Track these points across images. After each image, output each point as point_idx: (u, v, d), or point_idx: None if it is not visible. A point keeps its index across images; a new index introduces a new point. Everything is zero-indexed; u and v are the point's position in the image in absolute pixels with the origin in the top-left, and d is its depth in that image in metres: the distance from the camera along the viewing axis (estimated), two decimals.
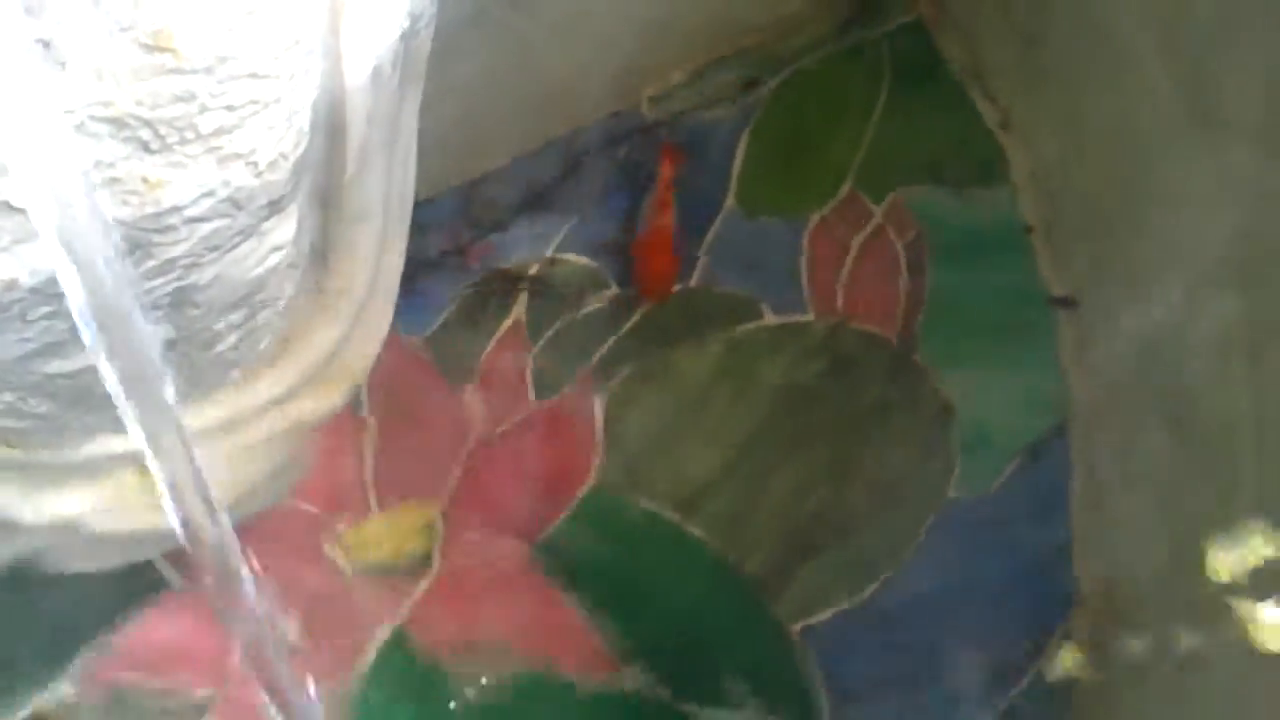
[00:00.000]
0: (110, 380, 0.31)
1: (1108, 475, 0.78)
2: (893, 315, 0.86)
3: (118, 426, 0.53)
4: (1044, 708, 0.77)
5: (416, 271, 0.77)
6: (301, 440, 0.62)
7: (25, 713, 0.72)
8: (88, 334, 0.30)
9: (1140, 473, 0.73)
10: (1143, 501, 0.72)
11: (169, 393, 0.31)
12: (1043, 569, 0.80)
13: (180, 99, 0.40)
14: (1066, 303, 0.83)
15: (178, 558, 0.75)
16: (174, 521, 0.31)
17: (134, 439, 0.31)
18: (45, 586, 0.68)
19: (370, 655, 0.76)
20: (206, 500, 0.31)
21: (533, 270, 0.86)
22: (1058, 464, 0.81)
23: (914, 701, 0.78)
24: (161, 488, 0.31)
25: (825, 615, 0.80)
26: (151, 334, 0.31)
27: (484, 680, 0.77)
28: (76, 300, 0.30)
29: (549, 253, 0.86)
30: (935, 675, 0.79)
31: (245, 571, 0.32)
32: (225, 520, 0.31)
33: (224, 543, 0.31)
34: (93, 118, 0.38)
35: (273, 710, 0.36)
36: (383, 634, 0.77)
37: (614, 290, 0.86)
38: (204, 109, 0.41)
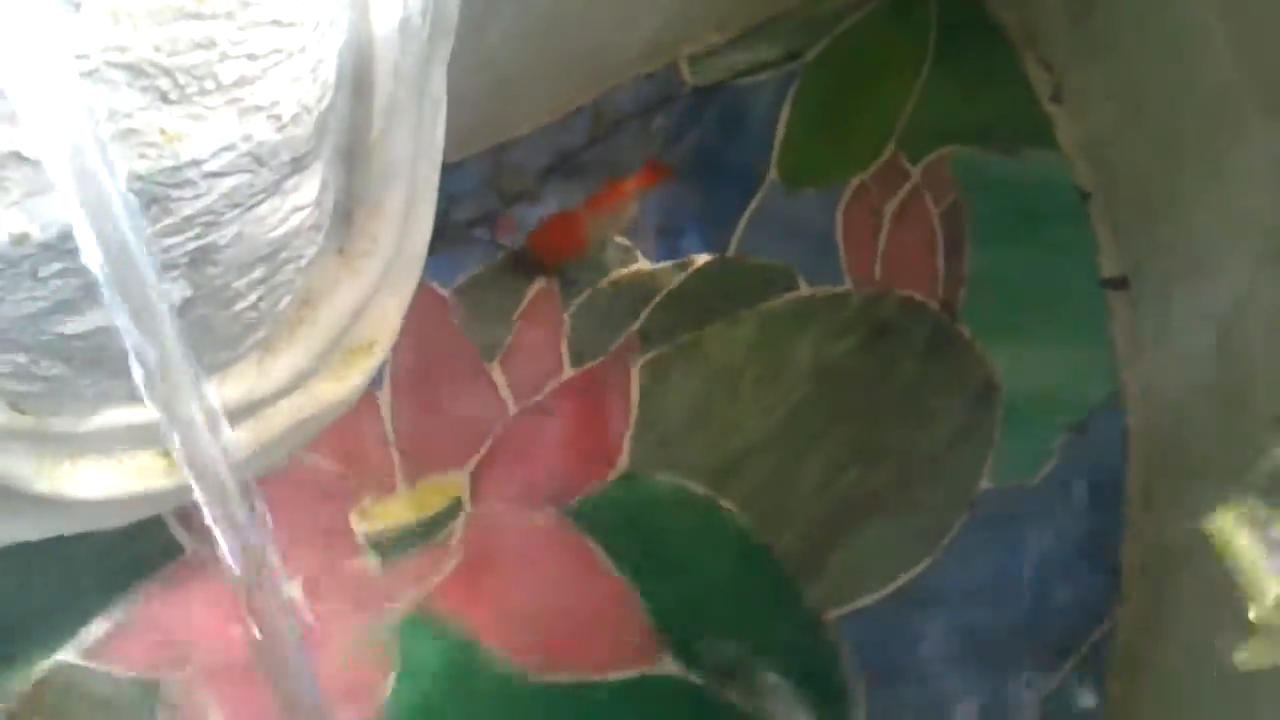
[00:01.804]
0: (127, 338, 0.29)
1: (1159, 460, 0.76)
2: (933, 287, 0.84)
3: (133, 394, 0.51)
4: (1085, 701, 0.76)
5: (442, 241, 0.75)
6: (320, 430, 0.61)
7: (26, 684, 0.71)
8: (106, 291, 0.28)
9: (1194, 461, 0.71)
10: (1195, 489, 0.70)
11: (187, 354, 0.29)
12: (1088, 555, 0.77)
13: (200, 46, 0.38)
14: (1118, 284, 0.81)
15: (191, 516, 0.73)
16: (197, 496, 0.29)
17: (150, 408, 0.30)
18: (55, 551, 0.67)
19: (395, 636, 0.75)
20: (229, 470, 0.29)
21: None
22: (1106, 447, 0.79)
23: (951, 690, 0.76)
24: (179, 458, 0.29)
25: (862, 600, 0.78)
26: (166, 291, 0.29)
27: (511, 664, 0.76)
28: (93, 257, 0.28)
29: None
30: (975, 663, 0.77)
31: (272, 551, 0.30)
32: (251, 494, 0.30)
33: (249, 522, 0.30)
34: (109, 64, 0.37)
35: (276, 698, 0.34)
36: (406, 612, 0.76)
37: (645, 263, 0.84)
38: (225, 57, 0.39)
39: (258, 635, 0.30)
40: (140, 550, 0.73)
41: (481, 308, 0.83)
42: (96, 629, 0.72)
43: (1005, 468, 0.80)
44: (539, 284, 0.84)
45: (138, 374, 0.30)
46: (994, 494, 0.79)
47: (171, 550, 0.74)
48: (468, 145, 0.82)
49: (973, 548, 0.78)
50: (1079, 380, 0.81)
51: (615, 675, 0.76)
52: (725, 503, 0.79)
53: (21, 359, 0.45)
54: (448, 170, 0.59)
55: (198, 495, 0.30)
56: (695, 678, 0.76)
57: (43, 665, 0.71)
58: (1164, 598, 0.73)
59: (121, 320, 0.29)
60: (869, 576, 0.78)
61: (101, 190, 0.29)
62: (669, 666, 0.76)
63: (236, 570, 0.30)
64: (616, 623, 0.77)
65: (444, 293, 0.82)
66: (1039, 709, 0.76)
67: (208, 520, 0.30)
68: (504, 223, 0.85)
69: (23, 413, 0.49)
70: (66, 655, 0.71)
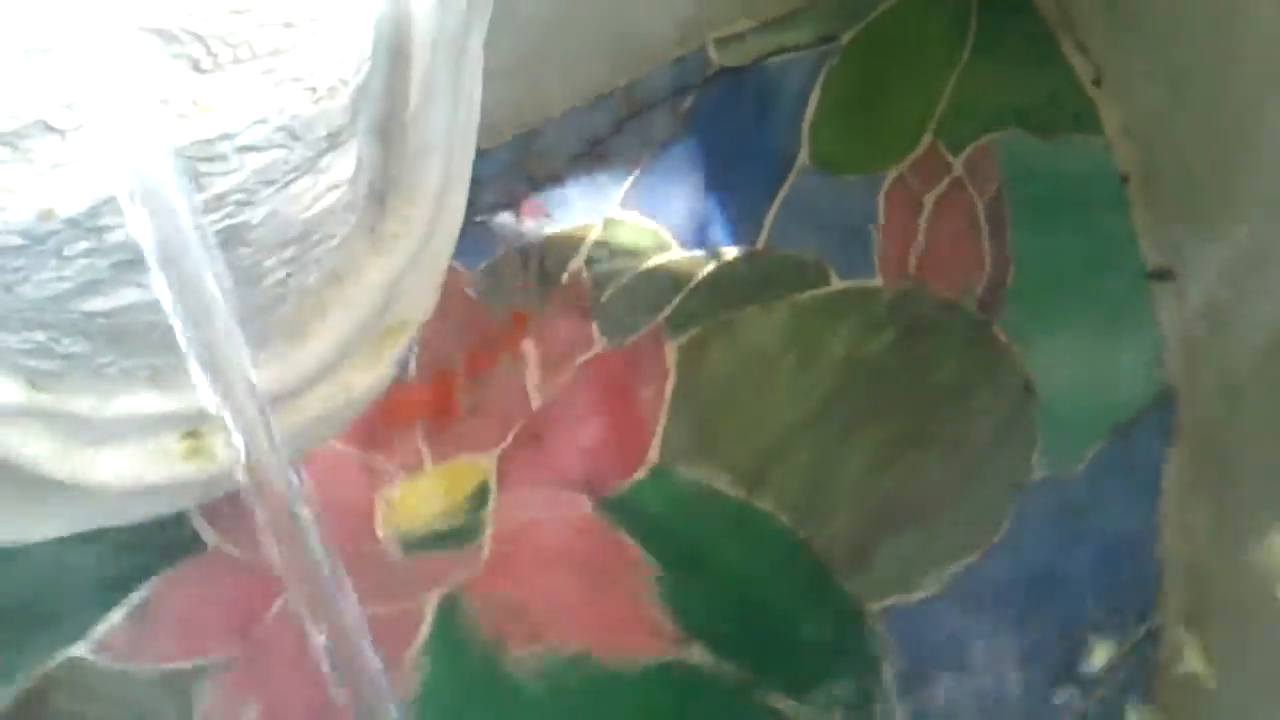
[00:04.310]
0: (176, 320, 0.28)
1: (1204, 459, 0.74)
2: (974, 279, 0.82)
3: (156, 377, 0.50)
4: (1127, 696, 0.74)
5: (467, 227, 0.74)
6: (352, 416, 0.59)
7: (34, 679, 0.69)
8: (156, 270, 0.27)
9: (1240, 458, 0.70)
10: (1245, 487, 0.69)
11: (238, 333, 0.28)
12: (1134, 554, 0.76)
13: (235, 12, 0.37)
14: (1163, 275, 0.79)
15: (213, 512, 0.72)
16: (241, 476, 0.28)
17: (198, 388, 0.28)
18: (68, 545, 0.66)
19: (423, 626, 0.74)
20: (279, 455, 0.28)
21: (591, 236, 0.83)
22: (1150, 445, 0.77)
23: (992, 688, 0.75)
24: (234, 440, 0.28)
25: (901, 599, 0.77)
26: (221, 268, 0.28)
27: (541, 653, 0.74)
28: (140, 230, 0.27)
29: (608, 213, 0.83)
30: (1015, 661, 0.76)
31: (314, 531, 0.29)
32: (296, 475, 0.28)
33: (293, 499, 0.28)
34: (141, 29, 0.35)
35: (331, 670, 0.33)
36: (434, 603, 0.74)
37: (677, 253, 0.83)
38: (261, 25, 0.37)
39: (311, 626, 0.29)
40: (159, 544, 0.72)
41: (508, 292, 0.81)
42: (111, 624, 0.70)
43: (1049, 465, 0.79)
44: (568, 271, 0.82)
45: (187, 351, 0.28)
46: (1038, 491, 0.78)
47: (192, 544, 0.73)
48: (494, 129, 0.81)
49: (1016, 545, 0.77)
50: (1124, 376, 0.79)
51: (645, 662, 0.75)
52: (762, 496, 0.78)
53: (41, 336, 0.44)
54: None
55: (242, 476, 0.29)
56: (728, 675, 0.75)
57: (53, 660, 0.69)
58: (1211, 599, 0.71)
59: (169, 296, 0.27)
60: (910, 574, 0.77)
61: (151, 158, 0.27)
62: (700, 657, 0.75)
63: (280, 556, 0.29)
64: (648, 612, 0.76)
65: (469, 277, 0.81)
66: (1085, 708, 0.75)
67: (252, 504, 0.29)
68: (529, 207, 0.83)
69: (40, 390, 0.48)
70: (78, 651, 0.70)
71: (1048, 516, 0.77)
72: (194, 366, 0.28)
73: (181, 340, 0.28)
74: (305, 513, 0.29)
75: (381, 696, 0.30)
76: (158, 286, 0.28)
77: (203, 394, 0.28)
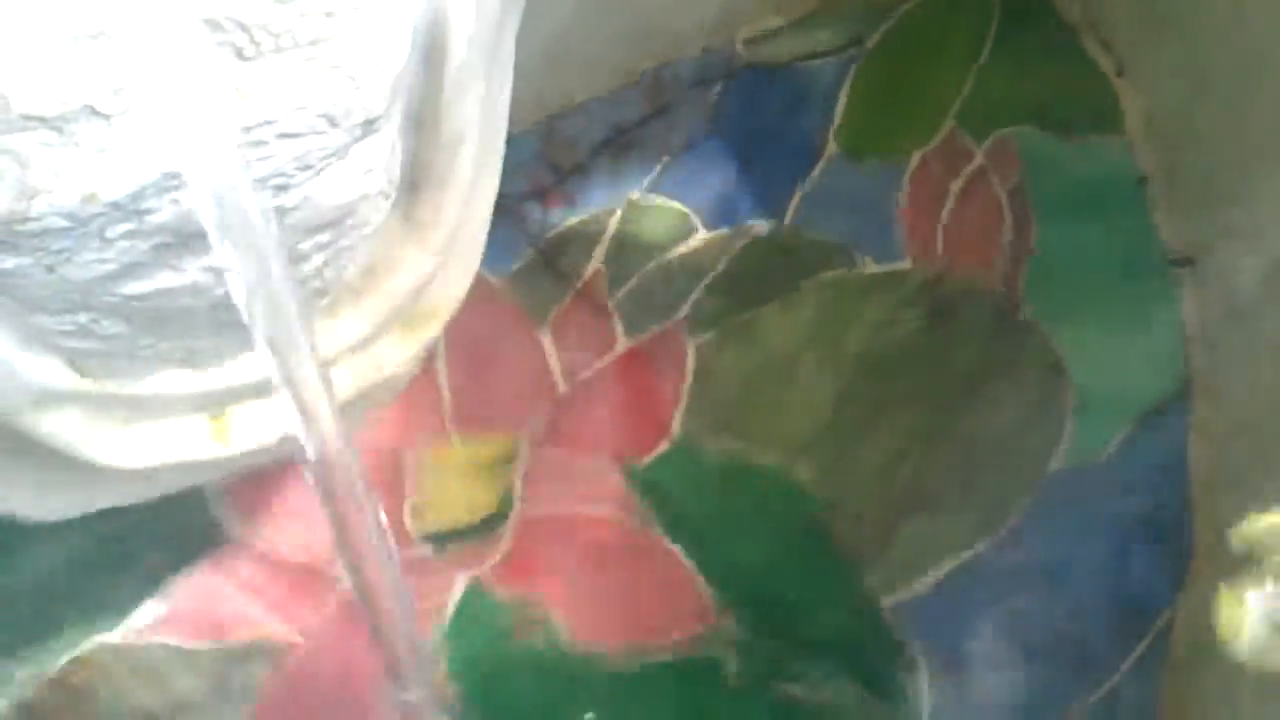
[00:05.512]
0: (239, 295, 0.28)
1: (1229, 448, 0.74)
2: (996, 267, 0.82)
3: (188, 358, 0.51)
4: (1147, 688, 0.74)
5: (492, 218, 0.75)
6: (380, 402, 0.60)
7: (69, 658, 0.70)
8: (224, 247, 0.28)
9: (1266, 447, 0.70)
10: (1268, 476, 0.69)
11: (300, 310, 0.29)
12: (1154, 543, 0.76)
13: (279, 1, 0.37)
14: (1185, 262, 0.79)
15: (236, 501, 0.73)
16: (307, 449, 0.29)
17: (260, 361, 0.29)
18: (99, 529, 0.66)
19: (449, 611, 0.75)
20: (340, 425, 0.28)
21: (614, 220, 0.83)
22: (1174, 434, 0.77)
23: (1013, 676, 0.75)
24: (290, 410, 0.29)
25: (922, 583, 0.77)
26: (282, 244, 0.29)
27: (564, 632, 0.75)
28: (207, 210, 0.27)
29: (634, 195, 0.83)
30: (1037, 650, 0.76)
31: (373, 500, 0.30)
32: (353, 447, 0.29)
33: (353, 470, 0.29)
34: (187, 17, 0.36)
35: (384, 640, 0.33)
36: (460, 589, 0.75)
37: (702, 234, 0.83)
38: (303, 14, 0.38)
39: (363, 589, 0.30)
40: (182, 532, 0.72)
41: (532, 285, 0.82)
42: (138, 612, 0.71)
43: (1071, 453, 0.78)
44: (592, 263, 0.82)
45: (253, 323, 0.29)
46: (1060, 479, 0.78)
47: (214, 533, 0.73)
48: (519, 117, 0.81)
49: (1037, 533, 0.77)
50: (1147, 365, 0.79)
51: (666, 649, 0.75)
52: (781, 483, 0.78)
53: (82, 318, 0.45)
54: None
55: (305, 444, 0.29)
56: (746, 658, 0.76)
57: (86, 646, 0.70)
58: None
59: (235, 269, 0.28)
60: (929, 561, 0.77)
61: (212, 136, 0.28)
62: (719, 645, 0.76)
63: (336, 517, 0.30)
64: (669, 600, 0.76)
65: (496, 273, 0.81)
66: (1101, 698, 0.75)
67: (310, 477, 0.30)
68: (552, 196, 0.83)
69: (80, 374, 0.48)
70: (108, 636, 0.71)
71: (1072, 503, 0.77)
72: (256, 332, 0.29)
73: (242, 305, 0.29)
74: (361, 481, 0.30)
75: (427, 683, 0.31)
76: (221, 258, 0.29)
77: (263, 361, 0.29)
